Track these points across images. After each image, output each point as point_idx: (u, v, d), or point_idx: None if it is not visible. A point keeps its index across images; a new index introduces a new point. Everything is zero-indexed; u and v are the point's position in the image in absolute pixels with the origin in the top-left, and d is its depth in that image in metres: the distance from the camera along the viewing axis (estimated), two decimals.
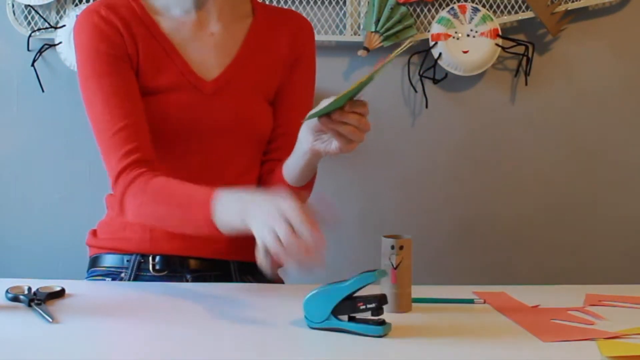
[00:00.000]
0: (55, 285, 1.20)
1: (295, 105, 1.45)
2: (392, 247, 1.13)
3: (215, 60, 1.41)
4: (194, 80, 1.38)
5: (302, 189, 1.38)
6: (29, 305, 1.11)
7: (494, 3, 1.90)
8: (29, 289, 1.15)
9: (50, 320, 1.04)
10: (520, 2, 1.90)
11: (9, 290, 1.15)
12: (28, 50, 1.86)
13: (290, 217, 1.03)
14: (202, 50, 1.41)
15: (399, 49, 1.16)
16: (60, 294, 1.18)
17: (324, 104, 1.16)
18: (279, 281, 1.51)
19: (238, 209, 1.13)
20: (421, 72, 1.90)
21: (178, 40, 1.40)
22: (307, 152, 1.28)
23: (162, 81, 1.37)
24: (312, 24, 1.54)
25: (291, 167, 1.35)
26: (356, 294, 1.02)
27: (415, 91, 1.92)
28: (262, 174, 1.47)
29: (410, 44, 1.13)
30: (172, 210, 1.24)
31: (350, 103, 1.16)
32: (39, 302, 1.11)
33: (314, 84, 1.52)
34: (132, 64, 1.36)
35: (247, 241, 1.43)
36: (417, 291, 1.17)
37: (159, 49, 1.38)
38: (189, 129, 1.37)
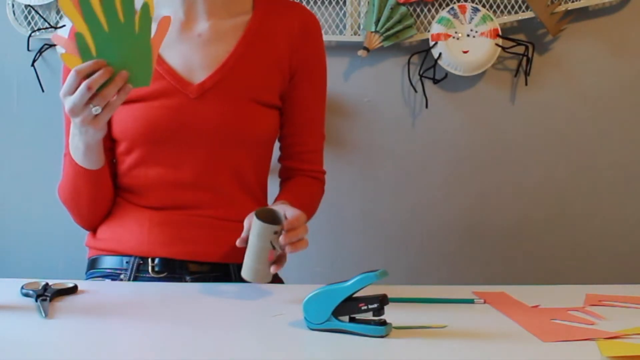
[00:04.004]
0: (67, 282, 1.20)
1: (302, 111, 1.44)
2: (276, 233, 1.19)
3: (203, 63, 1.38)
4: (180, 84, 1.36)
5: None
6: (36, 301, 1.11)
7: (494, 3, 1.90)
8: (46, 285, 1.16)
9: (44, 316, 1.04)
10: (520, 2, 1.90)
11: (23, 287, 1.16)
12: (28, 50, 1.87)
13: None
14: (189, 53, 1.39)
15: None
16: (72, 290, 1.19)
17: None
18: (279, 281, 1.51)
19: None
20: (421, 72, 1.90)
21: (164, 43, 1.40)
22: None
23: (148, 87, 1.37)
24: None
25: None
26: (357, 294, 1.02)
27: (415, 91, 1.92)
28: (280, 178, 1.52)
29: None
30: (69, 178, 1.39)
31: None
32: (45, 298, 1.11)
33: (324, 84, 1.48)
34: None
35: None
36: (417, 291, 1.17)
37: None
38: (177, 133, 1.35)
